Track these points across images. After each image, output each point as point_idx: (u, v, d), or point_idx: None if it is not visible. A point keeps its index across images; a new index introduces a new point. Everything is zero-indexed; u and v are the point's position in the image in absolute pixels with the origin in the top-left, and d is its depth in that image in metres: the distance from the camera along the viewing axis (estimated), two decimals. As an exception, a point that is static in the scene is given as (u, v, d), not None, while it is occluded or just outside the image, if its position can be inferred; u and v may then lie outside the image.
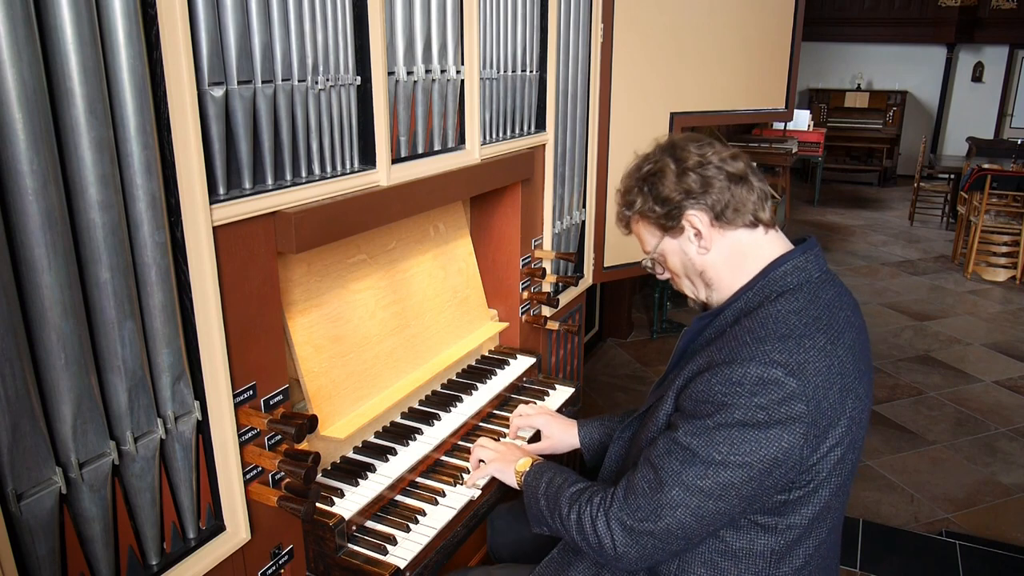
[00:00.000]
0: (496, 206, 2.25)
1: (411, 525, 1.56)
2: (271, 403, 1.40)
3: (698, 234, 1.31)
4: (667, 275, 1.43)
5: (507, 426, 1.93)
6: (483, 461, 1.69)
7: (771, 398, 1.14)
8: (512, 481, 1.60)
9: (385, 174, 1.60)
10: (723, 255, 1.32)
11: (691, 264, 1.35)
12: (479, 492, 1.68)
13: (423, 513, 1.60)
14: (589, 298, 4.40)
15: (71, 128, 0.98)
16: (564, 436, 1.78)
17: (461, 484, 1.70)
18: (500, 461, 1.64)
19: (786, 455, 1.16)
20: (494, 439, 1.80)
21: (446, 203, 1.92)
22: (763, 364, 1.15)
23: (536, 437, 1.89)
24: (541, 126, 2.29)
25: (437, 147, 1.82)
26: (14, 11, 0.89)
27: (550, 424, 1.81)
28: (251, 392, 1.35)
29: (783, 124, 9.00)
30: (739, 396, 1.16)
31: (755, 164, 1.34)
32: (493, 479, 1.70)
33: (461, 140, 1.91)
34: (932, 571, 2.78)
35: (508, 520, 1.82)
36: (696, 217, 1.30)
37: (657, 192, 1.32)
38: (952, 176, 8.31)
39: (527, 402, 2.07)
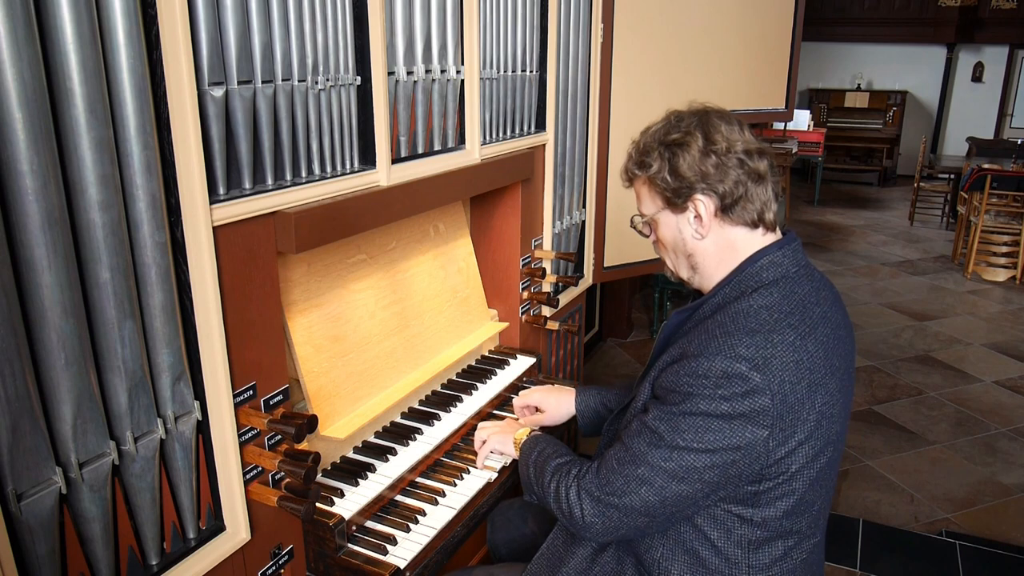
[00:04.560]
0: (496, 206, 2.25)
1: (411, 525, 1.56)
2: (271, 403, 1.40)
3: (698, 218, 1.30)
4: (653, 239, 1.42)
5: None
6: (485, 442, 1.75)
7: (735, 391, 1.16)
8: (511, 450, 1.69)
9: (385, 174, 1.60)
10: (716, 246, 1.32)
11: (682, 244, 1.35)
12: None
13: (423, 513, 1.60)
14: (589, 298, 4.40)
15: (71, 128, 0.98)
16: (560, 407, 1.84)
17: (461, 482, 1.71)
18: (500, 433, 1.72)
19: (750, 446, 1.18)
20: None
21: (446, 203, 1.92)
22: (729, 358, 1.17)
23: None
24: (541, 126, 2.29)
25: (437, 147, 1.82)
26: (14, 11, 0.89)
27: (546, 397, 1.86)
28: (251, 392, 1.35)
29: (783, 124, 9.01)
30: (704, 388, 1.18)
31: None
32: (495, 479, 1.70)
33: (461, 140, 1.91)
34: (932, 571, 2.78)
35: (507, 518, 1.84)
36: (703, 203, 1.29)
37: (675, 164, 1.29)
38: (952, 176, 8.30)
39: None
